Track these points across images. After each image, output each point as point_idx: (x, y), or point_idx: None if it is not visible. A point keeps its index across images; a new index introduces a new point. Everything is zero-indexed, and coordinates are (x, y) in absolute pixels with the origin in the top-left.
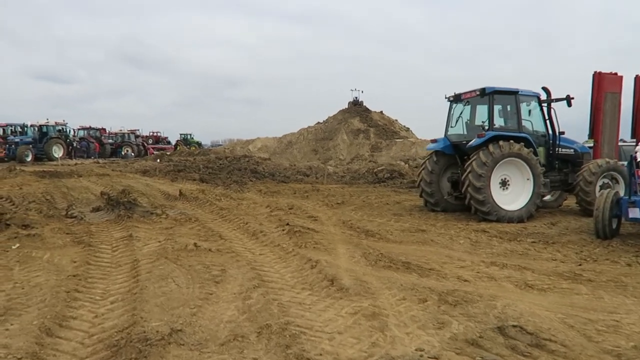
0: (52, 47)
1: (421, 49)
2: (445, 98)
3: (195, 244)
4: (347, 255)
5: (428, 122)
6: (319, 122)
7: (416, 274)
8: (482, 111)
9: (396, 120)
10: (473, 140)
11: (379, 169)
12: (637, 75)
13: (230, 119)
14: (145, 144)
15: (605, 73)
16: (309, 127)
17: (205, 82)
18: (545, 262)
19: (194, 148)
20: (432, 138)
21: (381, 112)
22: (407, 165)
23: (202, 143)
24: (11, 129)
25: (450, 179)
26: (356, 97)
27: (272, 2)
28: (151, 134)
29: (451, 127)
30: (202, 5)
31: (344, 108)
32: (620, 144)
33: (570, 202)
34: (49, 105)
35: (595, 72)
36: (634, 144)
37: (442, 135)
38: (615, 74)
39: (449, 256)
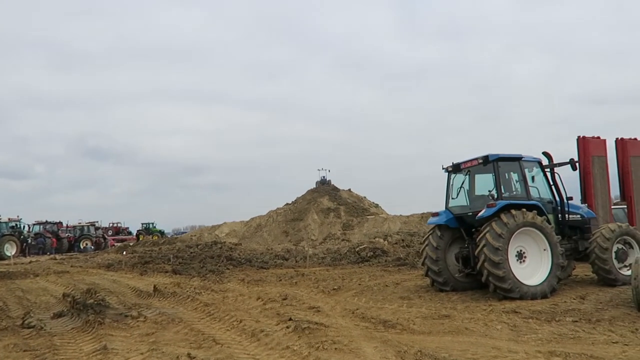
0: (9, 145)
1: (375, 128)
2: (443, 169)
3: (188, 355)
4: (379, 356)
5: (395, 197)
6: (287, 204)
7: None
8: (483, 180)
9: (365, 197)
10: (483, 211)
11: (361, 247)
12: (617, 139)
13: (193, 206)
14: (106, 236)
15: (590, 137)
16: (277, 209)
17: (164, 171)
18: (607, 347)
19: (156, 237)
20: (434, 211)
21: (349, 189)
22: (386, 242)
23: (165, 231)
24: None
25: (459, 255)
26: (324, 177)
27: (224, 90)
28: (111, 225)
29: (452, 198)
30: (158, 96)
31: (312, 188)
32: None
33: (579, 270)
34: (4, 203)
35: (579, 137)
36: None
37: (443, 208)
38: (599, 137)
39: (495, 347)
